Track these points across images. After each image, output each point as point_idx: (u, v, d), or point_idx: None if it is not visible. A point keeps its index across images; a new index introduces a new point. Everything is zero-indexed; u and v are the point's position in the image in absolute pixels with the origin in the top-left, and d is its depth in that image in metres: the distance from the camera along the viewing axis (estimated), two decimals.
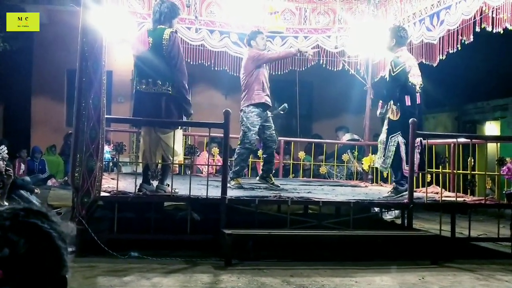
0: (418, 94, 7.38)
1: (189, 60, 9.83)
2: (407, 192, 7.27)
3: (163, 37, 6.47)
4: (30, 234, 1.14)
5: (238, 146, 8.12)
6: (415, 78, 7.36)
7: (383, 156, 7.58)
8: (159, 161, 6.69)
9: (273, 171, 8.63)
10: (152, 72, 6.50)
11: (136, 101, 6.79)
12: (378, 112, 7.83)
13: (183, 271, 5.66)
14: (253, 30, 8.65)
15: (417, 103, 7.39)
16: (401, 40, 7.51)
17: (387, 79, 7.60)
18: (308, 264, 6.14)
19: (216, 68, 10.26)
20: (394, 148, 7.44)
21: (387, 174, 9.56)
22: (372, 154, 10.01)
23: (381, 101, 7.75)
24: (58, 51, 13.73)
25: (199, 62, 10.10)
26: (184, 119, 6.79)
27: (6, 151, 8.60)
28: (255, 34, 8.21)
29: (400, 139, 7.39)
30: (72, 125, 6.27)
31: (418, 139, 7.24)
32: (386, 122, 7.63)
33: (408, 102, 7.31)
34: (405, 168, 7.38)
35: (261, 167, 8.50)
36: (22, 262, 1.10)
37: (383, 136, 7.69)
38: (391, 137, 7.45)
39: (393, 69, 7.37)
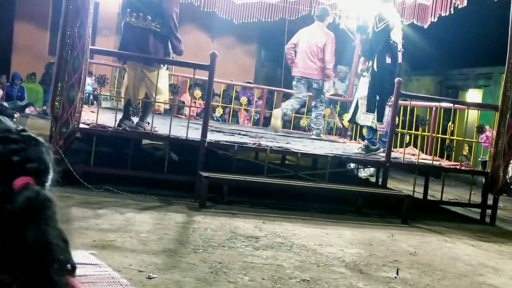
0: (400, 53, 7.36)
1: None
2: (377, 152, 7.36)
3: None
4: (38, 145, 1.23)
5: None
6: (398, 37, 7.30)
7: (370, 112, 7.54)
8: (142, 98, 6.63)
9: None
10: (144, 6, 6.42)
11: (125, 34, 6.65)
12: (359, 69, 7.83)
13: (157, 209, 5.70)
14: (326, 8, 9.40)
15: (399, 62, 7.39)
16: None
17: (370, 34, 7.57)
18: (281, 212, 6.21)
19: (205, 9, 10.07)
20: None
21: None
22: None
23: (362, 58, 7.74)
24: None
25: (188, 1, 9.90)
26: (175, 57, 6.73)
27: None
28: (328, 12, 9.26)
29: (377, 95, 7.42)
30: (55, 54, 6.15)
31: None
32: (369, 78, 7.59)
33: (389, 59, 7.30)
34: (378, 126, 7.43)
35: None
36: (42, 173, 1.20)
37: (363, 92, 7.67)
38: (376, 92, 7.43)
39: (376, 24, 7.32)
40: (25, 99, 12.87)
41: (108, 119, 6.96)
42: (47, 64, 13.34)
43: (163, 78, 6.58)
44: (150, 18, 6.40)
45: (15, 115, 9.61)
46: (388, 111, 7.38)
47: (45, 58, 13.80)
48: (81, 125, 6.24)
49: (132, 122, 6.70)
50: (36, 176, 1.15)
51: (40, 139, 1.23)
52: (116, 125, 6.47)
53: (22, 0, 14.14)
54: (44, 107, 11.84)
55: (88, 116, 7.11)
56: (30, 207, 1.08)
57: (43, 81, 13.54)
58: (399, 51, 7.33)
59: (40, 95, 13.46)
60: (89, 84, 9.39)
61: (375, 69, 7.37)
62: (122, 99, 6.86)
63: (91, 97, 10.47)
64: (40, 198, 1.10)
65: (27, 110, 12.20)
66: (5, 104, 10.24)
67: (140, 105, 6.77)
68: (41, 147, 1.21)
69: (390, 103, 7.34)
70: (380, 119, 7.38)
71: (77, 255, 1.44)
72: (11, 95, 12.65)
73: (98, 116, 6.59)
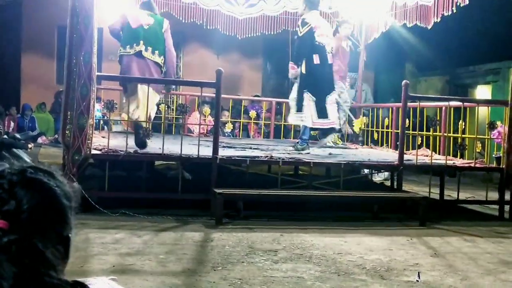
0: (330, 55, 7.83)
1: (180, 18, 9.72)
2: (303, 151, 7.67)
3: (163, 26, 6.98)
4: (36, 190, 1.12)
5: None
6: (324, 38, 7.75)
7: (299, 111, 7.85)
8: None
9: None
10: (154, 41, 6.86)
11: (133, 64, 6.84)
12: (290, 74, 8.07)
13: (174, 229, 5.71)
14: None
15: (329, 62, 7.83)
16: (311, 5, 7.91)
17: (296, 40, 8.03)
18: (298, 224, 6.20)
19: (208, 27, 10.14)
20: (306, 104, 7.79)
21: (378, 137, 9.63)
22: (363, 116, 10.07)
23: (291, 63, 7.98)
24: (49, 7, 13.46)
25: (191, 20, 9.97)
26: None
27: None
28: (341, 23, 9.48)
29: (306, 95, 7.72)
30: (63, 82, 6.21)
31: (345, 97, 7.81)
32: (298, 79, 7.96)
33: (316, 60, 7.69)
34: (315, 121, 7.76)
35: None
36: (26, 217, 1.08)
37: (294, 94, 8.05)
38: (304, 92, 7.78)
39: (300, 29, 7.79)
40: (37, 129, 12.96)
41: (119, 143, 7.00)
42: (56, 93, 13.42)
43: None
44: (157, 53, 6.84)
45: (29, 146, 9.67)
46: (332, 107, 7.83)
47: (54, 87, 13.89)
48: (93, 151, 6.29)
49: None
50: (12, 217, 1.06)
51: (44, 180, 1.14)
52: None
53: (28, 31, 14.28)
54: (56, 136, 11.90)
55: (100, 142, 7.16)
56: None
57: (53, 110, 13.63)
58: (328, 52, 7.77)
59: (51, 124, 13.54)
60: (98, 110, 9.44)
61: (303, 71, 7.76)
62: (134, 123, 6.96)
63: (101, 122, 10.53)
64: None
65: (39, 140, 12.27)
66: (17, 135, 10.31)
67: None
68: (36, 190, 1.12)
69: (331, 102, 7.80)
70: (322, 115, 7.74)
71: (98, 282, 1.44)
72: (22, 126, 12.74)
73: (109, 141, 6.63)
